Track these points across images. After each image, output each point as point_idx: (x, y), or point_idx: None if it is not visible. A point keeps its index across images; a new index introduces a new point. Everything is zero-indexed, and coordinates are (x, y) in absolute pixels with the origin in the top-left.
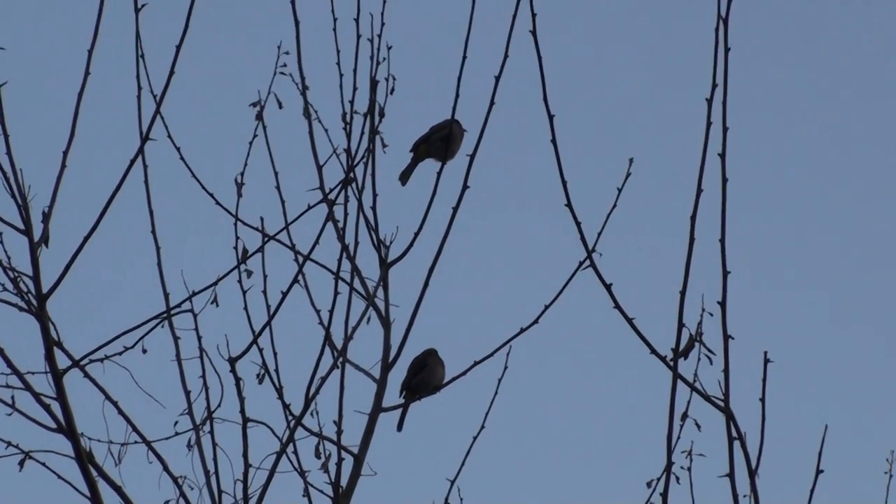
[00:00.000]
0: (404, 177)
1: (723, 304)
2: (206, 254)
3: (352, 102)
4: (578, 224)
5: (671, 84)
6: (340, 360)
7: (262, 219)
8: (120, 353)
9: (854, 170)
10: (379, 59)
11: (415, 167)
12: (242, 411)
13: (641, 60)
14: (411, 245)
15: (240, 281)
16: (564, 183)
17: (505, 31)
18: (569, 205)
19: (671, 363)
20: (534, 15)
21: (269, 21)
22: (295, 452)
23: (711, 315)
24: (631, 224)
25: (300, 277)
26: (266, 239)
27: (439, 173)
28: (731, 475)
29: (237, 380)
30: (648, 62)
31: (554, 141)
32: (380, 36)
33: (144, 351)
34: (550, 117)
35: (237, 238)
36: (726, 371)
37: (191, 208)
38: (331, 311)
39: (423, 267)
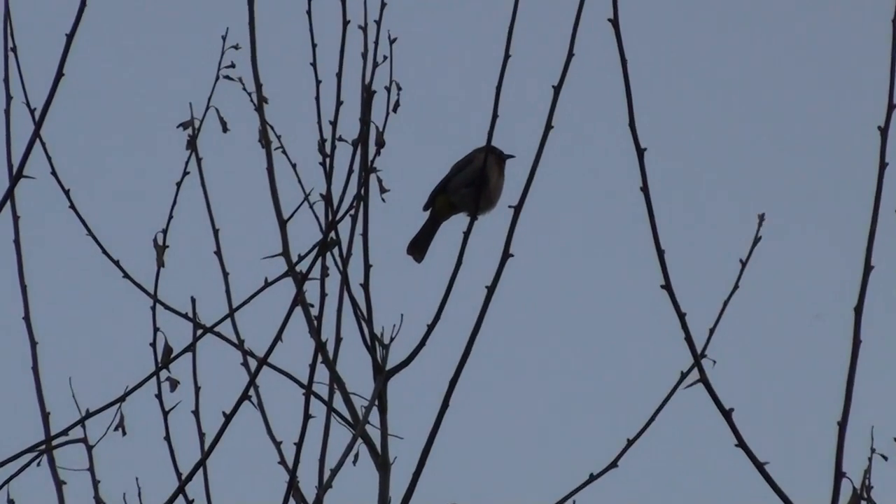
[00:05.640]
0: (418, 249)
1: None
2: (110, 354)
3: (334, 124)
4: (682, 316)
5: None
6: None
7: (193, 300)
8: None
9: None
10: (377, 57)
11: (433, 233)
12: None
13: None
14: (422, 344)
15: (159, 395)
16: (661, 253)
17: (564, 18)
18: (667, 286)
19: None
20: None
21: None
22: None
23: (886, 459)
24: (755, 315)
25: (251, 392)
26: (201, 332)
27: (466, 234)
28: None
29: None
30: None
31: (645, 188)
32: (378, 22)
33: (11, 502)
34: (640, 151)
35: (156, 330)
36: None
37: (86, 284)
38: (298, 445)
39: (438, 378)
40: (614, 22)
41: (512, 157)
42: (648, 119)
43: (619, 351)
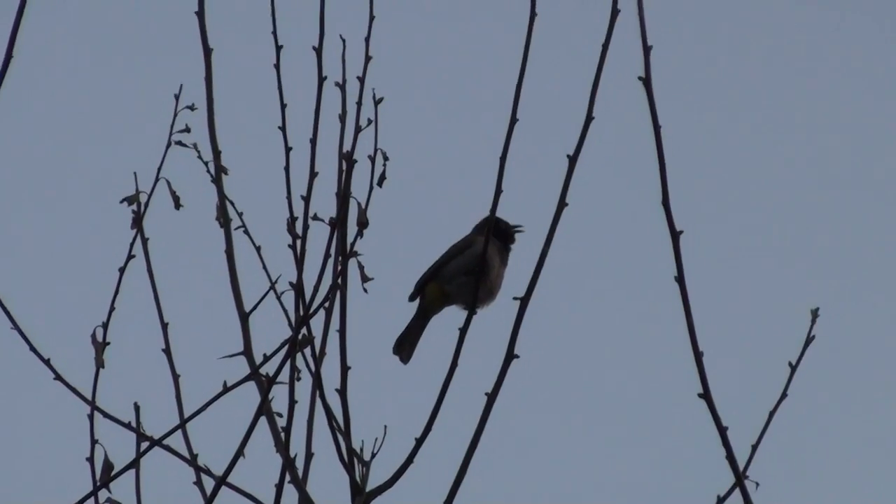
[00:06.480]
0: (404, 347)
1: None
2: (40, 469)
3: (306, 200)
4: (723, 430)
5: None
6: None
7: (137, 408)
8: None
9: None
10: (359, 120)
11: (422, 329)
12: None
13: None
14: (410, 461)
15: None
16: (699, 356)
17: (582, 76)
18: (705, 394)
19: None
20: (647, 48)
21: (160, 51)
22: None
23: None
24: (806, 429)
25: None
26: (147, 445)
27: (463, 330)
28: None
29: None
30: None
31: (681, 278)
32: (361, 79)
33: None
34: (675, 234)
35: (94, 442)
36: None
37: (11, 387)
38: None
39: (427, 501)
40: (646, 81)
41: (519, 228)
42: (684, 195)
43: (646, 470)
